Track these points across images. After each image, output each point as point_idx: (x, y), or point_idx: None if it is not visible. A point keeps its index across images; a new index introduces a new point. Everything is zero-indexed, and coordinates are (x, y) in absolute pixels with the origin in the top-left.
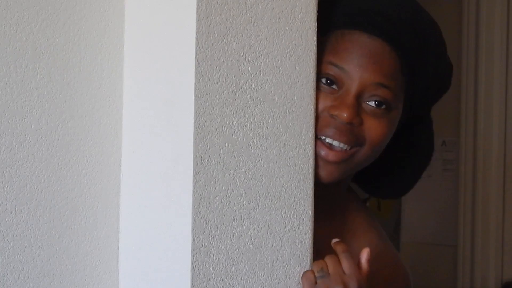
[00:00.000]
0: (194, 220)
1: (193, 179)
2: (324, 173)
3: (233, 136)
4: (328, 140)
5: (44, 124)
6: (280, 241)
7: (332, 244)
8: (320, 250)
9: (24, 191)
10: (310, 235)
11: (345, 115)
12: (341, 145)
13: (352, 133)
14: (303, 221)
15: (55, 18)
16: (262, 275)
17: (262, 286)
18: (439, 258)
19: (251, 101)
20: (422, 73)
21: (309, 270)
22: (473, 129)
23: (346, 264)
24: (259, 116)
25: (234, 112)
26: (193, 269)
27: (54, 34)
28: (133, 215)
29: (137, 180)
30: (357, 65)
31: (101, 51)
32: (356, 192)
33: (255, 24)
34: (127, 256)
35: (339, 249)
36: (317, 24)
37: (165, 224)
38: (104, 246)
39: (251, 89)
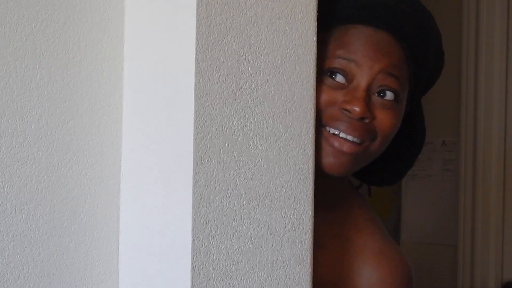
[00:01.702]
0: (194, 220)
1: (193, 179)
2: (336, 164)
3: (233, 136)
4: (341, 134)
5: (44, 124)
6: (280, 241)
7: None
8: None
9: (24, 191)
10: (310, 235)
11: (357, 109)
12: (354, 139)
13: (364, 128)
14: (303, 221)
15: (55, 18)
16: (262, 275)
17: (262, 286)
18: (439, 258)
19: (251, 101)
20: (425, 64)
21: None
22: (473, 129)
23: None
24: (259, 116)
25: (234, 112)
26: (193, 269)
27: (54, 34)
28: (133, 215)
29: (137, 180)
30: (366, 55)
31: (101, 51)
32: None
33: (255, 24)
34: (127, 256)
35: None
36: (318, 21)
37: (165, 224)
38: (104, 246)
39: (251, 89)
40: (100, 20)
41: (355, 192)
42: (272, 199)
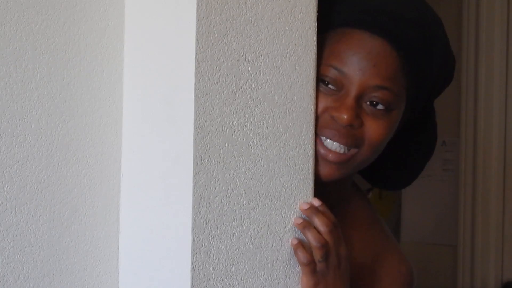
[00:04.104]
0: (194, 220)
1: (193, 179)
2: (324, 172)
3: (233, 136)
4: (328, 141)
5: (44, 124)
6: (280, 241)
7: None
8: None
9: (24, 191)
10: None
11: (345, 117)
12: (341, 146)
13: (352, 135)
14: None
15: (55, 18)
16: (262, 275)
17: (262, 286)
18: (439, 258)
19: (251, 101)
20: (427, 71)
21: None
22: (473, 129)
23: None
24: (259, 116)
25: (234, 112)
26: (193, 269)
27: (54, 34)
28: (133, 215)
29: (137, 180)
30: (357, 68)
31: (101, 51)
32: (359, 182)
33: (255, 24)
34: (127, 256)
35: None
36: (318, 21)
37: (165, 224)
38: (104, 246)
39: (251, 89)
40: (100, 20)
41: (358, 193)
42: (272, 199)
